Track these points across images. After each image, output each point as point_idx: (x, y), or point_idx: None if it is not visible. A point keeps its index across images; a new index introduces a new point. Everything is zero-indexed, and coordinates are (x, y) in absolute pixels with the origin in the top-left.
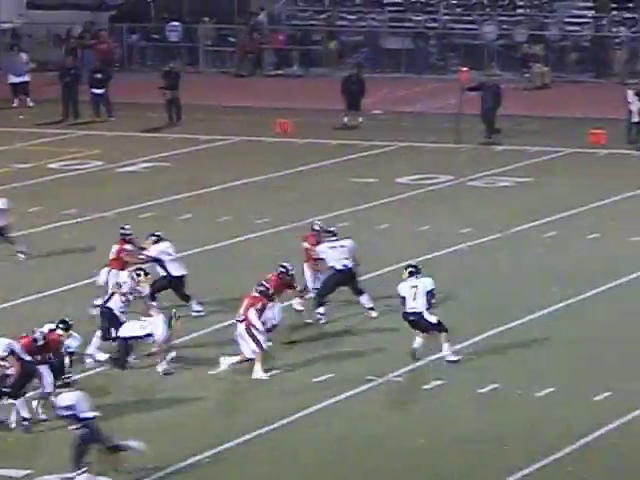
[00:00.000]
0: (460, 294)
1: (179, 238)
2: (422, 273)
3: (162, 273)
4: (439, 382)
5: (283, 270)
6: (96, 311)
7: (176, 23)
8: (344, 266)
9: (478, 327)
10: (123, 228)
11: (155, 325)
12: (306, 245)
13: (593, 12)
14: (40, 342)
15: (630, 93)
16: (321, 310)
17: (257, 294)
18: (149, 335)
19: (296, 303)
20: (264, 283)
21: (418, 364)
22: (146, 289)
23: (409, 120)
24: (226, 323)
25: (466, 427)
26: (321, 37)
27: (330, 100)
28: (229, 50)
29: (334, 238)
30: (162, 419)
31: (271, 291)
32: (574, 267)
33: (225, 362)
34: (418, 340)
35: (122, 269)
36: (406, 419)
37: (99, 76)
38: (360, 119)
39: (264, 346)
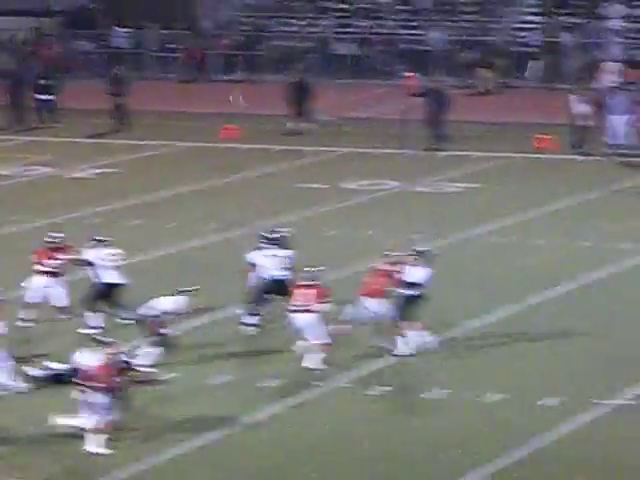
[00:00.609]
0: None
1: (127, 244)
2: None
3: (94, 279)
4: (384, 387)
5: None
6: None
7: (122, 29)
8: (284, 276)
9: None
10: (50, 237)
11: None
12: None
13: (540, 18)
14: (123, 365)
15: (574, 98)
16: (254, 320)
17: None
18: None
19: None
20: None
21: (364, 370)
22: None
23: (355, 126)
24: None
25: (411, 432)
26: (257, 43)
27: (276, 106)
28: (174, 56)
29: (268, 246)
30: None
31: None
32: (520, 272)
33: (313, 359)
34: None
35: (53, 275)
36: (352, 424)
37: (44, 82)
38: (306, 125)
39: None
